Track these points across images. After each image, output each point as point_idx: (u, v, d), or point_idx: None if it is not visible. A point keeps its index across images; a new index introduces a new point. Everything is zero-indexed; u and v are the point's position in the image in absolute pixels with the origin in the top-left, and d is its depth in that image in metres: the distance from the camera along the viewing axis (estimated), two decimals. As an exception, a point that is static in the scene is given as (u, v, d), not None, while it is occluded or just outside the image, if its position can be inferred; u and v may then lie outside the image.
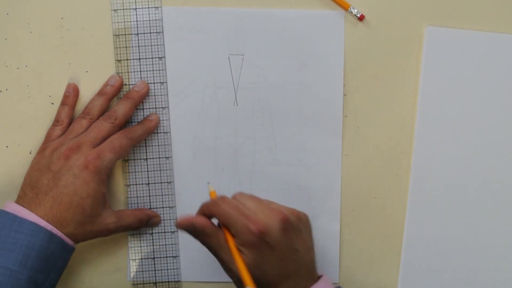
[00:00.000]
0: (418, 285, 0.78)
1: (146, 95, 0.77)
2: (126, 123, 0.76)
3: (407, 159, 0.79)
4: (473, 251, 0.78)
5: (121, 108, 0.75)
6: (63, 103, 0.77)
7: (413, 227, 0.78)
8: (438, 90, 0.78)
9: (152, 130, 0.77)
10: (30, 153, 0.78)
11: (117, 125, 0.74)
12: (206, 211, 0.69)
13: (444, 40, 0.78)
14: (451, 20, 0.78)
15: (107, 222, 0.73)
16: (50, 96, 0.78)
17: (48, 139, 0.75)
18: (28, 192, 0.71)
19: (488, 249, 0.78)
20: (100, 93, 0.76)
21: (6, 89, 0.78)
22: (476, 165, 0.78)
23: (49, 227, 0.68)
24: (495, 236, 0.78)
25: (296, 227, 0.67)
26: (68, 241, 0.70)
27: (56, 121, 0.76)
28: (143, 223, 0.77)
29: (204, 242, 0.68)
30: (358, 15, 0.78)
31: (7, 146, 0.78)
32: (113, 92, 0.76)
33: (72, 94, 0.77)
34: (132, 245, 0.79)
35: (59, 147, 0.72)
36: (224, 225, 0.67)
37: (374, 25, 0.78)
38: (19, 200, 0.71)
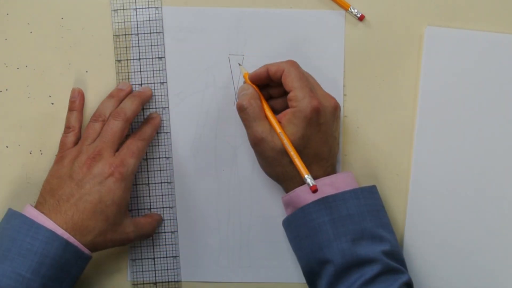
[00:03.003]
0: (419, 285, 0.78)
1: (150, 98, 0.77)
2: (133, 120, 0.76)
3: (407, 159, 0.79)
4: (473, 251, 0.78)
5: (128, 105, 0.75)
6: (70, 109, 0.76)
7: (413, 227, 0.78)
8: (438, 90, 0.78)
9: (158, 126, 0.77)
10: (30, 153, 0.78)
11: (127, 121, 0.74)
12: (273, 69, 0.72)
13: (444, 40, 0.78)
14: (451, 20, 0.78)
15: (127, 231, 0.73)
16: (50, 96, 0.78)
17: (63, 147, 0.74)
18: (49, 198, 0.70)
19: (488, 249, 0.78)
20: (111, 95, 0.76)
21: (6, 89, 0.78)
22: (476, 165, 0.78)
23: (65, 235, 0.68)
24: (495, 235, 0.78)
25: (338, 117, 0.75)
26: (85, 250, 0.69)
27: (68, 128, 0.75)
28: (156, 229, 0.77)
29: (252, 106, 0.72)
30: (358, 15, 0.78)
31: (7, 146, 0.78)
32: (124, 96, 0.76)
33: (78, 98, 0.76)
34: (132, 245, 0.79)
35: (78, 156, 0.72)
36: (287, 87, 0.71)
37: (374, 25, 0.78)
38: (39, 206, 0.70)
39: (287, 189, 0.74)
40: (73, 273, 0.69)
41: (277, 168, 0.72)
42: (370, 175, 0.79)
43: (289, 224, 0.73)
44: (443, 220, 0.78)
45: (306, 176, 0.69)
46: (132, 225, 0.74)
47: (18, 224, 0.68)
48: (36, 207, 0.70)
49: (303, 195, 0.71)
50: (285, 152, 0.71)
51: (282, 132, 0.70)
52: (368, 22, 0.78)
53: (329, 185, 0.71)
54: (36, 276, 0.66)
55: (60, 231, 0.68)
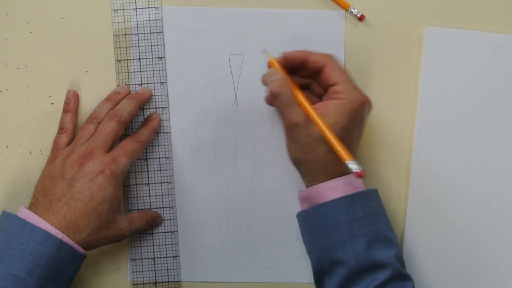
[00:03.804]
0: (419, 285, 0.78)
1: (149, 99, 0.77)
2: (130, 122, 0.76)
3: (407, 159, 0.79)
4: (473, 251, 0.78)
5: (125, 106, 0.75)
6: (65, 110, 0.76)
7: (413, 227, 0.78)
8: (438, 90, 0.78)
9: (157, 128, 0.77)
10: (30, 153, 0.78)
11: (123, 122, 0.74)
12: (313, 58, 0.71)
13: (444, 40, 0.78)
14: (451, 20, 0.78)
15: (121, 227, 0.73)
16: (50, 96, 0.78)
17: (56, 148, 0.75)
18: (41, 199, 0.70)
19: (488, 249, 0.78)
20: (108, 99, 0.76)
21: (6, 89, 0.78)
22: (476, 165, 0.78)
23: (59, 235, 0.68)
24: (495, 236, 0.78)
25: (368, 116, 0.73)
26: (79, 249, 0.69)
27: (61, 129, 0.76)
28: (149, 225, 0.77)
29: (286, 92, 0.70)
30: (358, 15, 0.78)
31: (7, 146, 0.78)
32: (121, 100, 0.76)
33: (73, 100, 0.76)
34: (132, 245, 0.79)
35: (70, 155, 0.72)
36: (332, 80, 0.70)
37: (374, 25, 0.78)
38: (32, 207, 0.70)
39: (310, 181, 0.72)
40: (69, 272, 0.69)
41: (310, 155, 0.70)
42: (370, 174, 0.79)
43: (303, 219, 0.72)
44: (443, 220, 0.78)
45: (351, 161, 0.66)
46: (126, 220, 0.74)
47: (12, 225, 0.68)
48: (29, 208, 0.70)
49: (323, 192, 0.70)
50: (322, 141, 0.69)
51: (318, 117, 0.69)
52: (368, 22, 0.78)
53: (349, 185, 0.70)
54: (31, 277, 0.66)
55: (53, 231, 0.68)
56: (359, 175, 0.66)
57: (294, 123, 0.69)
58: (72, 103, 0.76)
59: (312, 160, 0.70)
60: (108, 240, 0.72)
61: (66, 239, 0.68)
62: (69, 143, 0.75)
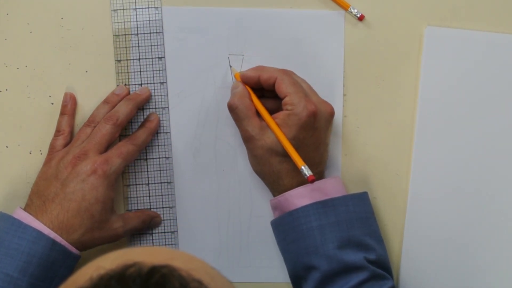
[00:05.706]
0: (419, 285, 0.78)
1: (148, 99, 0.77)
2: (127, 123, 0.76)
3: (407, 159, 0.79)
4: (473, 251, 0.78)
5: (122, 109, 0.75)
6: (62, 113, 0.77)
7: (413, 227, 0.78)
8: (438, 90, 0.78)
9: (155, 130, 0.77)
10: (30, 153, 0.78)
11: (119, 125, 0.74)
12: (265, 77, 0.73)
13: (444, 40, 0.78)
14: (451, 20, 0.78)
15: (115, 227, 0.73)
16: (50, 96, 0.78)
17: (52, 150, 0.75)
18: (35, 200, 0.71)
19: (488, 249, 0.78)
20: (106, 101, 0.76)
21: (6, 89, 0.78)
22: (476, 165, 0.78)
23: (52, 235, 0.68)
24: (495, 236, 0.78)
25: (331, 124, 0.75)
26: (72, 249, 0.69)
27: (58, 131, 0.76)
28: (146, 225, 0.77)
29: (241, 105, 0.72)
30: (358, 15, 0.78)
31: (7, 146, 0.78)
32: (119, 101, 0.76)
33: (70, 102, 0.77)
34: (133, 245, 0.78)
35: (65, 156, 0.72)
36: (282, 94, 0.72)
37: (374, 25, 0.78)
38: (26, 208, 0.71)
39: (273, 192, 0.74)
40: (62, 272, 0.69)
41: (265, 167, 0.73)
42: (370, 174, 0.79)
43: (276, 227, 0.74)
44: (443, 220, 0.78)
45: (302, 167, 0.69)
46: (121, 220, 0.74)
47: (6, 225, 0.69)
48: (24, 209, 0.71)
49: (291, 200, 0.72)
50: (274, 151, 0.71)
51: (275, 125, 0.71)
52: (368, 22, 0.78)
53: (318, 191, 0.71)
54: (24, 276, 0.66)
55: (46, 230, 0.68)
56: (310, 180, 0.68)
57: (249, 136, 0.72)
58: (69, 105, 0.76)
59: (267, 171, 0.73)
60: (103, 240, 0.72)
61: (58, 239, 0.68)
62: (65, 145, 0.75)
